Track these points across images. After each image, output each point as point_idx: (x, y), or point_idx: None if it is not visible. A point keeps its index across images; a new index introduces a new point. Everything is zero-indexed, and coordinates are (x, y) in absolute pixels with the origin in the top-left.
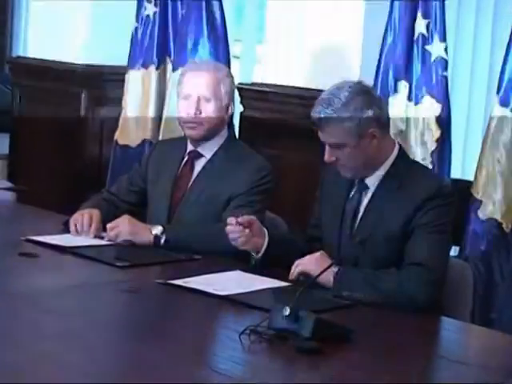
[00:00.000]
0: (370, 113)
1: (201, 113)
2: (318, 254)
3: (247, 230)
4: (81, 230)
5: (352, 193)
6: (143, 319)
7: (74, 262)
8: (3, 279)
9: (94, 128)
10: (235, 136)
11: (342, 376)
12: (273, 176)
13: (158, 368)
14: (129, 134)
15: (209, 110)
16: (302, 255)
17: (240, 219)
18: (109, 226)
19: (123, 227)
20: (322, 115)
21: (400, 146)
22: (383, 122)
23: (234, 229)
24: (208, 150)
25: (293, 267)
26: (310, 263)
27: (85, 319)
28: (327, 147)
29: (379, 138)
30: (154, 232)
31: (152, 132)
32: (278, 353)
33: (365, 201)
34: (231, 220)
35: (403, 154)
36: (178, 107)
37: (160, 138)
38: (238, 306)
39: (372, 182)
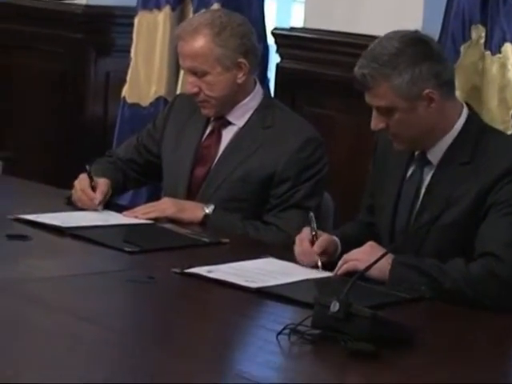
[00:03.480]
0: (425, 68)
1: (201, 90)
2: (366, 245)
3: (319, 262)
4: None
5: (410, 170)
6: (156, 317)
7: (72, 246)
8: None
9: (97, 83)
10: (271, 96)
11: None
12: (324, 149)
13: (174, 377)
14: (139, 91)
15: (209, 84)
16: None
17: (316, 247)
18: (145, 206)
19: (167, 204)
20: (366, 71)
21: (470, 108)
22: (444, 80)
23: (306, 257)
24: (238, 117)
25: (340, 263)
26: (361, 258)
27: (84, 316)
28: (374, 112)
29: (439, 100)
30: (206, 210)
31: (167, 88)
32: (325, 357)
33: (427, 179)
34: (304, 244)
35: (474, 119)
36: None
37: None
38: (274, 301)
39: (435, 155)
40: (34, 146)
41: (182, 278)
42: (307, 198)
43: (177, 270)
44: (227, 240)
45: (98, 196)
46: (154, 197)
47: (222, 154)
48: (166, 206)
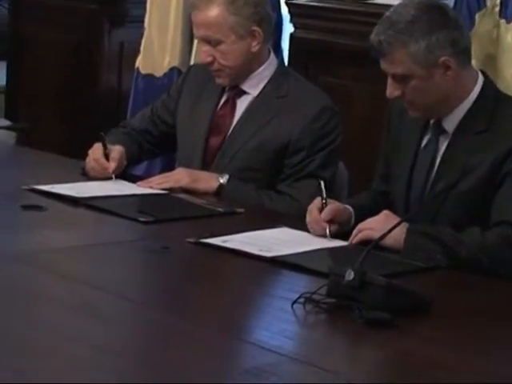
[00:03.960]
0: (442, 36)
1: (215, 59)
2: (381, 214)
3: (327, 229)
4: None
5: (426, 139)
6: (171, 286)
7: (87, 216)
8: (2, 238)
9: (111, 53)
10: (285, 65)
11: (419, 354)
12: (339, 119)
13: (191, 345)
14: (153, 61)
15: (223, 53)
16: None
17: (323, 214)
18: (160, 176)
19: (181, 174)
20: (382, 37)
21: (486, 76)
22: (461, 47)
23: (316, 225)
24: (253, 86)
25: (354, 232)
26: (375, 227)
27: (100, 286)
28: (390, 79)
29: (455, 68)
30: (221, 180)
31: (181, 58)
32: (340, 326)
33: (442, 148)
34: (313, 212)
35: (490, 87)
36: None
37: None
38: (288, 270)
39: (450, 123)
40: (48, 117)
41: (197, 247)
42: (321, 167)
43: (191, 240)
44: (242, 210)
45: (112, 165)
46: (169, 167)
47: (236, 124)
48: (180, 177)
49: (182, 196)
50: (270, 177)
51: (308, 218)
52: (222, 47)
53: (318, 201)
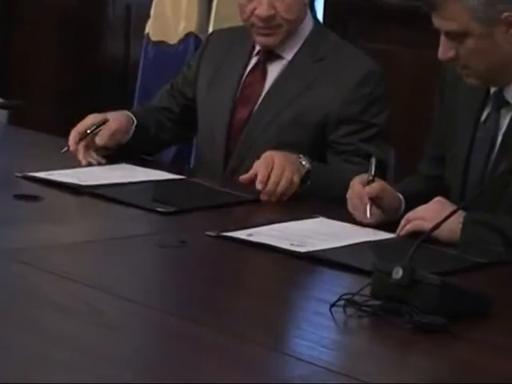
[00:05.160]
0: None
1: (277, 12)
2: (434, 201)
3: (368, 207)
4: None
5: (485, 112)
6: (188, 288)
7: (91, 207)
8: None
9: (115, 18)
10: (321, 24)
11: (478, 363)
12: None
13: (212, 354)
14: (165, 27)
15: (288, 4)
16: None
17: (368, 188)
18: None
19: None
20: None
21: None
22: None
23: (357, 199)
24: (287, 48)
25: (402, 222)
26: (427, 216)
27: (106, 287)
28: (442, 38)
29: None
30: (304, 164)
31: (199, 23)
32: (386, 332)
33: (504, 123)
34: (356, 186)
35: None
36: (240, 2)
37: (210, 30)
38: (325, 268)
39: None
40: (44, 93)
41: (218, 242)
42: (374, 141)
43: (212, 234)
44: None
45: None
46: (183, 152)
47: (267, 93)
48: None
49: (201, 181)
50: (306, 155)
51: (349, 193)
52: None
53: (363, 176)
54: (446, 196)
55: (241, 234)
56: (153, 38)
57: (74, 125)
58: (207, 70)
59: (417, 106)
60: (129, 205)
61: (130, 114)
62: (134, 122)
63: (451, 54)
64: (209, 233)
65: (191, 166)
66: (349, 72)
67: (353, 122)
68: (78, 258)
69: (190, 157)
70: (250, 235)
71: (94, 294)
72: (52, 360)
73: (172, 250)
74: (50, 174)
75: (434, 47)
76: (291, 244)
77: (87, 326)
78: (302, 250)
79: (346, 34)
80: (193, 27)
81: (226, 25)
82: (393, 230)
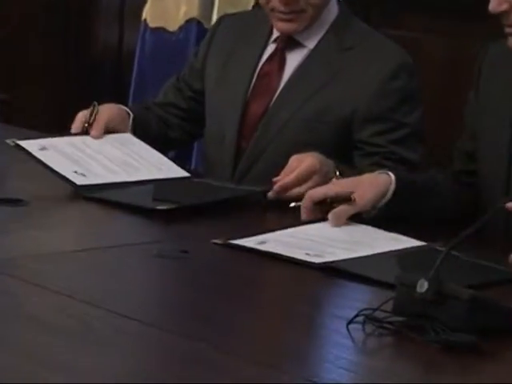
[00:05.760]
0: None
1: None
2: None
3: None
4: None
5: None
6: (193, 303)
7: (83, 211)
8: None
9: (109, 2)
10: (347, 10)
11: None
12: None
13: (221, 377)
14: (165, 11)
15: None
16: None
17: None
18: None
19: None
20: None
21: None
22: None
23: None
24: (309, 35)
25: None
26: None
27: (97, 302)
28: None
29: None
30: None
31: (202, 8)
32: (410, 351)
33: None
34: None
35: None
36: None
37: (214, 17)
38: (343, 280)
39: None
40: (32, 85)
41: (224, 251)
42: (407, 143)
43: (218, 242)
44: None
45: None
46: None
47: (285, 85)
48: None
49: (206, 180)
50: (329, 155)
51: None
52: None
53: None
54: (483, 191)
55: (250, 242)
56: (150, 25)
57: (62, 120)
58: (216, 59)
59: (446, 98)
60: (126, 207)
61: (122, 106)
62: (130, 114)
63: (505, 6)
64: (214, 241)
65: (192, 167)
66: (379, 64)
67: (382, 121)
68: (66, 269)
69: (191, 156)
70: (261, 243)
71: (84, 309)
72: (39, 380)
73: (172, 260)
74: (43, 149)
75: (465, 35)
76: (306, 253)
77: (76, 344)
78: (318, 260)
79: (369, 20)
80: (195, 12)
81: (231, 10)
82: (420, 237)
